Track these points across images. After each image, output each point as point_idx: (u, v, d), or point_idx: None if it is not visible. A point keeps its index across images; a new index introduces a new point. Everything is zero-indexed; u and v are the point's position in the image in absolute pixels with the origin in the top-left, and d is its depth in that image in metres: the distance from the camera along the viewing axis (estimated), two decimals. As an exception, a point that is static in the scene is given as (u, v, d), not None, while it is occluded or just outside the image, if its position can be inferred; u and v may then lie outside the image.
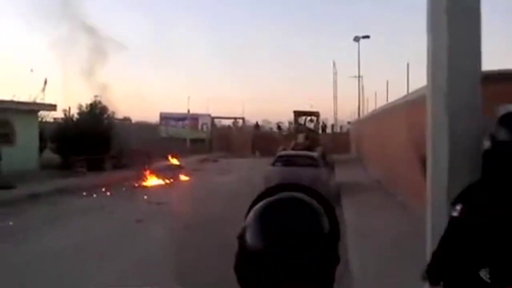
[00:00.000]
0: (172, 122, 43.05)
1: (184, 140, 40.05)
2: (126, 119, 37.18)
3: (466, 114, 2.33)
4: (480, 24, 2.26)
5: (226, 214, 10.91)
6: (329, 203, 1.08)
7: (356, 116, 35.58)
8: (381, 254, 6.92)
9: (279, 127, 46.32)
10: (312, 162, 14.28)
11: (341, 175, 17.48)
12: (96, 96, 23.74)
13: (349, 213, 10.44)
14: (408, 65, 13.81)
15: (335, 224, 1.05)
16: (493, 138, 1.92)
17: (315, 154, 16.22)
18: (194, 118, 43.43)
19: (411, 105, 11.32)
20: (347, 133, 41.22)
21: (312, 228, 0.98)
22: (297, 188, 1.09)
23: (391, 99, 18.18)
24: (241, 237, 1.00)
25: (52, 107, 21.81)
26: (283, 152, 16.91)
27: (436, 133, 2.46)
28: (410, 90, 13.36)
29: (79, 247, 7.84)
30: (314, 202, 1.04)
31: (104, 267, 6.71)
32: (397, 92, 16.21)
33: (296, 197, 1.04)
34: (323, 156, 17.36)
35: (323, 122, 41.04)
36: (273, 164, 14.62)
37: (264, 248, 0.95)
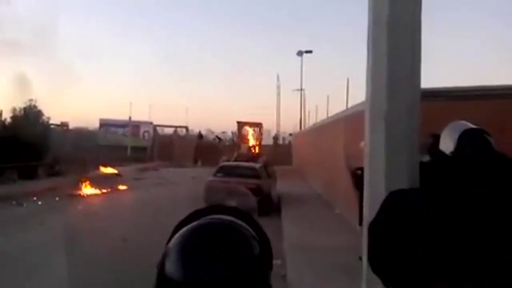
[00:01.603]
0: (112, 129, 41.72)
1: (125, 148, 38.98)
2: (64, 125, 35.70)
3: (404, 128, 2.39)
4: (420, 41, 2.36)
5: (163, 226, 10.73)
6: (261, 228, 1.02)
7: (298, 129, 36.38)
8: (316, 267, 7.07)
9: (219, 138, 46.28)
10: (253, 173, 14.38)
11: (283, 186, 17.71)
12: (30, 100, 22.63)
13: (287, 224, 10.57)
14: (348, 80, 14.30)
15: (267, 250, 0.96)
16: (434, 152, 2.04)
17: (256, 165, 16.33)
18: (136, 125, 42.38)
19: (348, 119, 11.74)
20: (289, 145, 41.97)
21: (240, 255, 0.87)
22: (227, 211, 1.01)
23: (332, 113, 18.79)
24: (161, 266, 0.88)
25: (-19, 110, 20.50)
26: (225, 163, 16.90)
27: (374, 148, 2.52)
28: (350, 105, 13.89)
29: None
30: (244, 226, 0.95)
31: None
32: (338, 107, 16.75)
33: (224, 220, 0.95)
34: (265, 167, 17.52)
35: (275, 134, 41.54)
36: (215, 175, 14.55)
37: (184, 279, 0.83)
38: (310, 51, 37.54)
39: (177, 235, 0.94)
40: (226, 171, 14.60)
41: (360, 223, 7.41)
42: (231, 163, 17.44)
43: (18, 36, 38.10)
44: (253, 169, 15.07)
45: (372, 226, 1.77)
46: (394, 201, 1.78)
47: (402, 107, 2.38)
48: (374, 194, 2.47)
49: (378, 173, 2.41)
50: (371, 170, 2.45)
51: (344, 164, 10.75)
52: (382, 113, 2.38)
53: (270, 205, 13.83)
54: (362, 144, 7.36)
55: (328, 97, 17.12)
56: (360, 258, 1.99)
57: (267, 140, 38.42)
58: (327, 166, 14.44)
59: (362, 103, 9.63)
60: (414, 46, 2.32)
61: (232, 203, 12.99)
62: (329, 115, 17.21)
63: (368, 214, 2.53)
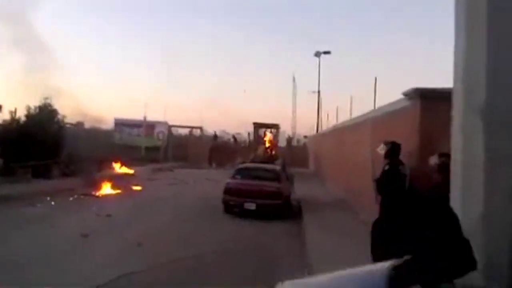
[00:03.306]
0: (127, 129, 41.50)
1: (139, 148, 38.72)
2: (79, 124, 35.49)
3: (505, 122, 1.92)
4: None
5: (178, 231, 10.25)
6: None
7: (314, 131, 35.73)
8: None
9: (234, 139, 45.80)
10: (274, 176, 13.83)
11: (301, 189, 17.12)
12: (46, 98, 22.31)
13: (311, 231, 9.97)
14: (376, 79, 13.64)
15: None
16: None
17: (276, 167, 15.78)
18: (150, 125, 42.12)
19: (377, 121, 11.10)
20: (304, 147, 41.31)
21: None
22: None
23: (350, 115, 18.14)
24: None
25: (-5, 108, 20.18)
26: (243, 165, 16.34)
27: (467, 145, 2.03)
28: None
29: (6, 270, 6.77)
30: None
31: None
32: (358, 109, 16.11)
33: None
34: (283, 169, 16.95)
35: (288, 136, 41.00)
36: (234, 177, 14.03)
37: None
38: (328, 52, 36.90)
39: None
40: (245, 173, 14.04)
41: None
42: (250, 164, 16.87)
43: (32, 35, 38.02)
44: (274, 171, 14.52)
45: None
46: None
47: (504, 93, 1.92)
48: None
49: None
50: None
51: (371, 170, 10.19)
52: (477, 100, 1.93)
53: (290, 210, 13.30)
54: (380, 147, 6.70)
55: (351, 98, 16.44)
56: None
57: (281, 142, 37.84)
58: (350, 169, 13.80)
59: (392, 103, 8.96)
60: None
61: (252, 206, 12.47)
62: (351, 116, 16.59)
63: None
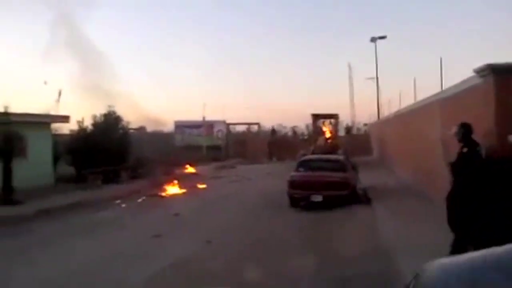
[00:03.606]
0: (187, 130, 42.46)
1: (200, 147, 39.45)
2: (141, 129, 36.75)
3: None
4: None
5: (247, 228, 10.12)
6: None
7: (375, 118, 34.59)
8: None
9: (294, 132, 45.49)
10: (338, 166, 13.40)
11: (367, 178, 16.50)
12: (110, 106, 23.17)
13: (387, 222, 9.47)
14: (441, 59, 12.80)
15: None
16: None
17: (340, 157, 15.31)
18: (209, 125, 42.85)
19: (445, 102, 10.38)
20: (365, 135, 40.19)
21: None
22: None
23: (415, 99, 17.24)
24: None
25: (65, 119, 21.17)
26: (306, 157, 15.97)
27: None
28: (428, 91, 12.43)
29: (83, 271, 6.99)
30: None
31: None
32: (421, 92, 15.17)
33: None
34: (347, 159, 16.40)
35: (347, 125, 40.12)
36: (297, 170, 13.75)
37: None
38: (384, 37, 35.54)
39: None
40: (308, 165, 13.71)
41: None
42: (313, 156, 16.49)
43: (87, 42, 39.56)
44: (338, 161, 14.08)
45: None
46: None
47: None
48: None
49: None
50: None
51: (442, 153, 9.54)
52: None
53: (358, 199, 12.80)
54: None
55: (414, 80, 15.55)
56: None
57: (340, 131, 36.99)
58: (420, 154, 13.07)
59: (462, 82, 8.35)
60: None
61: (318, 198, 12.14)
62: (414, 101, 15.72)
63: None
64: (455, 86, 10.11)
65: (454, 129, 6.80)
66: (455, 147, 7.45)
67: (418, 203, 11.28)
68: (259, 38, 68.75)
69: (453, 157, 7.48)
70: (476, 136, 6.75)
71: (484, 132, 7.00)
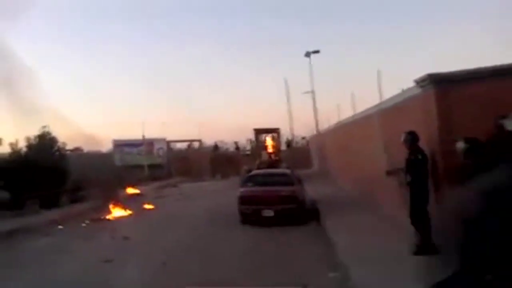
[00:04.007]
0: (126, 149, 41.33)
1: (141, 166, 38.52)
2: (78, 149, 35.31)
3: None
4: None
5: (201, 247, 10.02)
6: None
7: (313, 131, 35.63)
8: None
9: (237, 147, 45.69)
10: (286, 180, 13.65)
11: (312, 190, 16.93)
12: (44, 127, 22.10)
13: (338, 234, 9.75)
14: (378, 72, 13.49)
15: None
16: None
17: (287, 170, 15.61)
18: (149, 143, 42.05)
19: (384, 113, 10.98)
20: (304, 148, 41.19)
21: None
22: None
23: (346, 114, 18.00)
24: None
25: (-3, 141, 19.93)
26: (254, 172, 16.12)
27: None
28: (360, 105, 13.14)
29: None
30: None
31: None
32: (359, 105, 15.88)
33: None
34: (293, 172, 16.74)
35: (287, 139, 40.90)
36: (245, 185, 13.84)
37: None
38: (317, 51, 36.84)
39: None
40: (257, 180, 13.85)
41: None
42: (260, 171, 16.66)
43: (20, 65, 37.73)
44: (286, 175, 14.35)
45: None
46: None
47: None
48: None
49: None
50: None
51: (387, 162, 10.05)
52: None
53: (306, 213, 13.07)
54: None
55: (352, 94, 16.21)
56: None
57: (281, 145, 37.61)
58: (364, 164, 13.64)
59: (403, 92, 8.93)
60: None
61: (269, 212, 12.27)
62: (353, 113, 16.44)
63: None
64: (395, 96, 10.69)
65: (403, 136, 7.47)
66: (399, 155, 8.01)
67: (365, 213, 11.73)
68: (196, 54, 68.68)
69: (396, 164, 8.09)
70: (421, 143, 7.41)
71: (427, 139, 7.54)
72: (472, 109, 7.06)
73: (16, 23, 47.85)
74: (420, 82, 7.92)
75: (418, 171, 7.18)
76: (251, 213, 12.48)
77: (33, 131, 21.82)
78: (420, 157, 7.25)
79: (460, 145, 5.77)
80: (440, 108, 7.48)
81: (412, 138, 7.40)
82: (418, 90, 8.19)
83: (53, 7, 55.28)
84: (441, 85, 7.55)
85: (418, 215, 7.16)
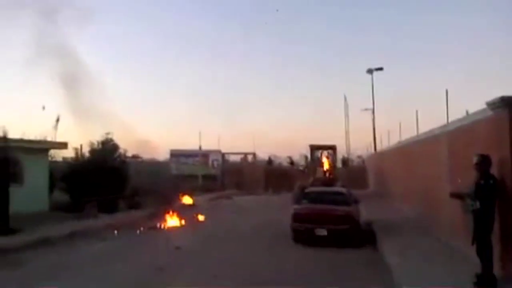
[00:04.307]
0: (183, 159, 42.30)
1: (195, 177, 39.15)
2: (136, 157, 36.44)
3: None
4: None
5: (252, 263, 9.84)
6: None
7: (371, 149, 34.64)
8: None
9: (291, 162, 45.32)
10: (342, 199, 13.24)
11: (368, 211, 16.29)
12: (107, 133, 22.96)
13: (395, 260, 9.22)
14: (447, 91, 12.80)
15: None
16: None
17: (343, 190, 15.14)
18: (205, 154, 42.81)
19: (455, 134, 10.36)
20: (360, 167, 40.14)
21: None
22: None
23: (407, 134, 17.26)
24: None
25: (63, 145, 20.91)
26: (309, 189, 15.76)
27: None
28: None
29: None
30: None
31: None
32: (421, 124, 15.10)
33: None
34: (349, 191, 16.23)
35: (343, 156, 40.08)
36: (299, 202, 13.55)
37: None
38: (380, 69, 36.05)
39: None
40: (313, 197, 13.51)
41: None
42: (315, 188, 16.26)
43: (88, 71, 39.57)
44: (342, 194, 13.92)
45: None
46: None
47: None
48: None
49: None
50: None
51: (451, 185, 9.46)
52: None
53: (361, 234, 12.56)
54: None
55: (417, 112, 15.53)
56: None
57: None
58: (426, 186, 12.97)
59: (472, 115, 8.43)
60: None
61: (323, 232, 11.90)
62: (416, 133, 15.69)
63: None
64: (463, 118, 10.20)
65: (475, 159, 7.15)
66: (465, 179, 7.52)
67: (425, 240, 11.08)
68: (255, 68, 69.59)
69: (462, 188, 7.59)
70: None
71: (498, 164, 7.14)
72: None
73: (89, 32, 50.45)
74: (492, 105, 7.48)
75: (488, 197, 6.84)
76: (303, 230, 12.15)
77: (97, 137, 22.76)
78: (491, 182, 6.89)
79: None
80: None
81: (485, 162, 7.04)
82: (489, 113, 7.75)
83: (125, 22, 58.09)
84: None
85: (482, 244, 6.78)
